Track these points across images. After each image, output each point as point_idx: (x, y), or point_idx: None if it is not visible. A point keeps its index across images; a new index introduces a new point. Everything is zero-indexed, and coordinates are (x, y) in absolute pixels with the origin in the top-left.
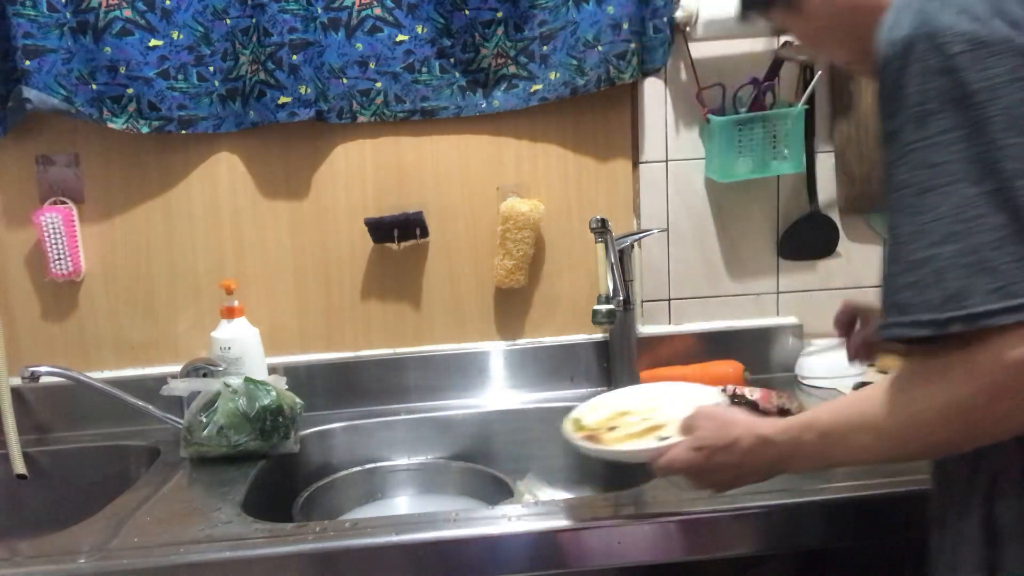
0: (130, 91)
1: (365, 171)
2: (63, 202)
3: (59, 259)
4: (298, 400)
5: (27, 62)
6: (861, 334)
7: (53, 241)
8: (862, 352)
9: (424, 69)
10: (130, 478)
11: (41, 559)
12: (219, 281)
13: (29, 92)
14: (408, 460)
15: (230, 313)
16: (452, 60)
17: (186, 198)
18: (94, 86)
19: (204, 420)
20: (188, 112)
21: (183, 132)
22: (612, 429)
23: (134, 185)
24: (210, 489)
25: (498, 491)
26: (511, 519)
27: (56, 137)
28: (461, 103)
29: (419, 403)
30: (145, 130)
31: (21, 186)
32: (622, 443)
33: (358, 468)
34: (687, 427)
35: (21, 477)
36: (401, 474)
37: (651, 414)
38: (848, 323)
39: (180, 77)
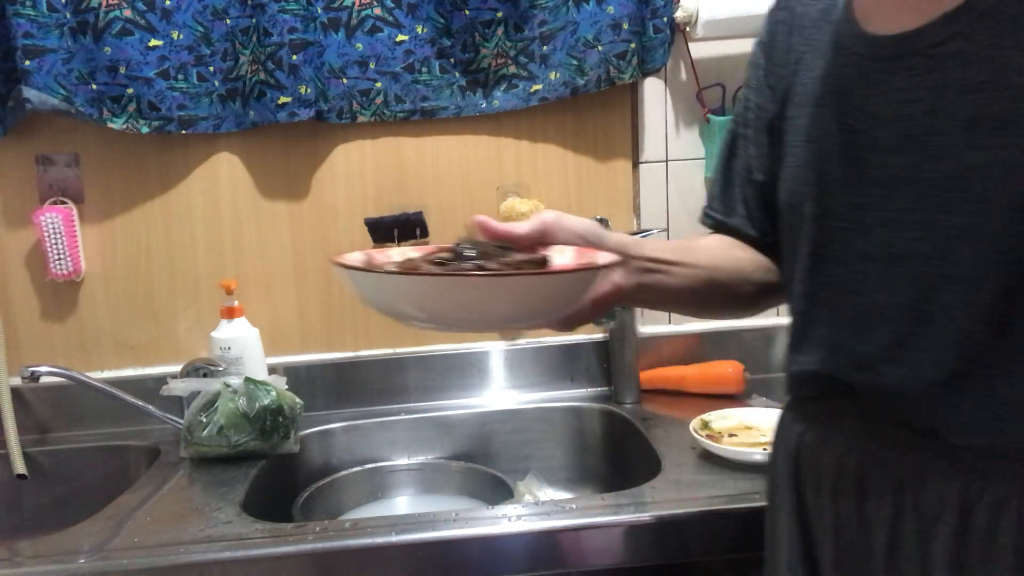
0: (130, 91)
1: (365, 171)
2: (63, 202)
3: (59, 259)
4: (298, 400)
5: (27, 62)
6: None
7: (53, 241)
8: (588, 314)
9: (424, 69)
10: (130, 478)
11: (41, 559)
12: (219, 281)
13: (29, 92)
14: (408, 460)
15: (230, 313)
16: (452, 60)
17: (186, 198)
18: (94, 86)
19: (204, 420)
20: (188, 112)
21: (183, 132)
22: (732, 436)
23: (134, 185)
24: (210, 489)
25: (498, 491)
26: (511, 519)
27: (56, 137)
28: (461, 103)
29: (419, 403)
30: (145, 130)
31: (21, 186)
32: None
33: (358, 468)
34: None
35: (21, 477)
36: (401, 474)
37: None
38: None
39: (180, 77)
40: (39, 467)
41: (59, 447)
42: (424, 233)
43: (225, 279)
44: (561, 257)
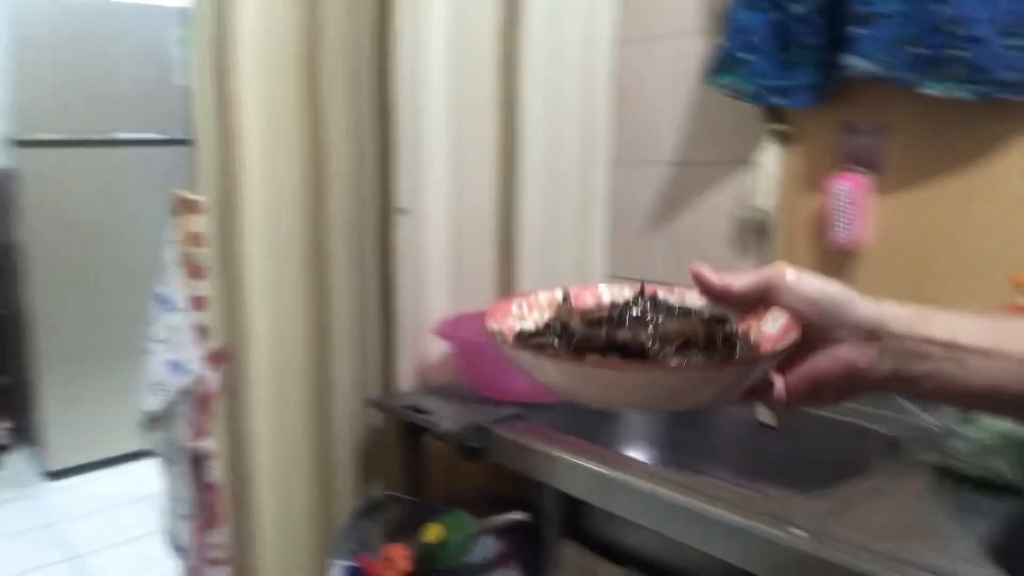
0: (956, 52)
1: None
2: (859, 170)
3: (843, 226)
4: None
5: (857, 28)
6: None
7: (841, 208)
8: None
9: None
10: (863, 463)
11: (762, 517)
12: (1012, 272)
13: (850, 59)
14: None
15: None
16: None
17: (993, 176)
18: (917, 49)
19: (962, 431)
20: (1020, 75)
21: (1012, 98)
22: None
23: (937, 158)
24: (952, 512)
25: None
26: None
27: (864, 104)
28: None
29: None
30: (965, 95)
31: (823, 151)
32: None
33: None
34: None
35: (768, 427)
36: None
37: None
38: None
39: (1020, 34)
40: (781, 420)
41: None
42: None
43: (1021, 272)
44: (775, 325)
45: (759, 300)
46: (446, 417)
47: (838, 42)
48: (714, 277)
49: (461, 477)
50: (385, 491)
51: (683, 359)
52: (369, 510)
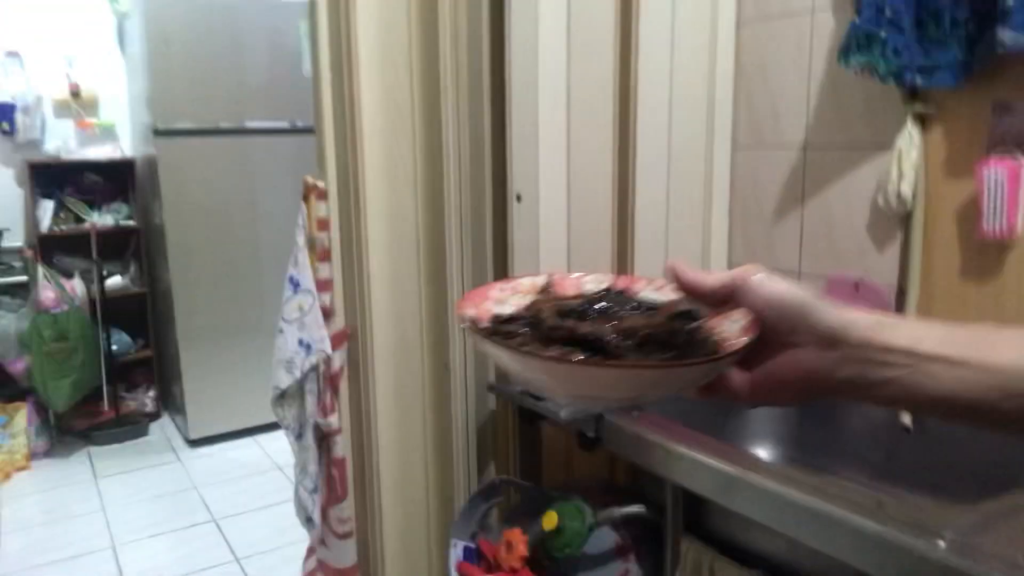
0: None
1: None
2: (1012, 155)
3: (994, 216)
4: None
5: (1010, 1)
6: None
7: (992, 196)
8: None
9: None
10: (1016, 473)
11: (899, 524)
12: None
13: (1004, 33)
14: None
15: None
16: None
17: None
18: None
19: None
20: None
21: None
22: None
23: None
24: None
25: None
26: None
27: (1018, 83)
28: None
29: None
30: None
31: (971, 134)
32: None
33: None
34: None
35: (905, 430)
36: None
37: None
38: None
39: None
40: (922, 424)
41: None
42: None
43: None
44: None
45: (728, 298)
46: (563, 404)
47: (987, 14)
48: (688, 273)
49: (577, 465)
50: (501, 475)
51: (640, 355)
52: (487, 493)
